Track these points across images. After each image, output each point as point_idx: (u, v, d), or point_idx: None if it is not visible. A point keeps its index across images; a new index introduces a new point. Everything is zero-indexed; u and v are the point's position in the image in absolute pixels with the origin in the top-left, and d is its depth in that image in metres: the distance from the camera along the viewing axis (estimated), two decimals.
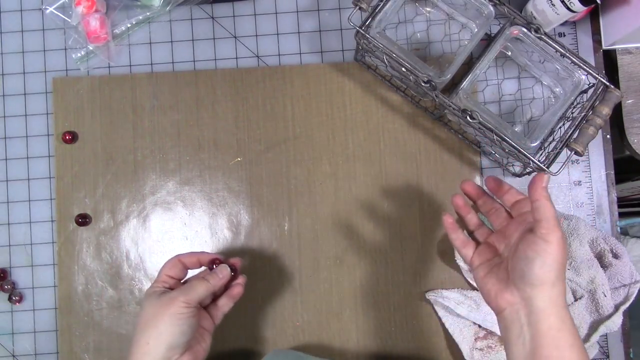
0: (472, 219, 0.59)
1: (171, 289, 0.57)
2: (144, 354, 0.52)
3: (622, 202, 1.05)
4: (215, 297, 0.61)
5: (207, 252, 0.61)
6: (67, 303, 0.68)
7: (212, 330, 0.59)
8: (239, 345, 0.68)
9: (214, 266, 0.59)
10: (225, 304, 0.60)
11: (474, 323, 0.66)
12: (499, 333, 0.64)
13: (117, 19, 0.70)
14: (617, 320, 0.63)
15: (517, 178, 0.69)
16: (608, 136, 0.70)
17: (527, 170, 0.65)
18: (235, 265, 0.60)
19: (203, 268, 0.60)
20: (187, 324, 0.53)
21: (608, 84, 0.59)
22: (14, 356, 0.69)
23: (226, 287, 0.60)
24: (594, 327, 0.63)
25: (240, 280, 0.60)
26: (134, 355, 0.53)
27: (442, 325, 0.67)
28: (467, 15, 0.69)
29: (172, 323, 0.53)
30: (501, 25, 0.63)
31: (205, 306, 0.60)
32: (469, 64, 0.63)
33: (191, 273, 0.60)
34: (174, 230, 0.69)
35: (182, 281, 0.59)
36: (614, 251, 0.64)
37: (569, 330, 0.47)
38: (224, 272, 0.58)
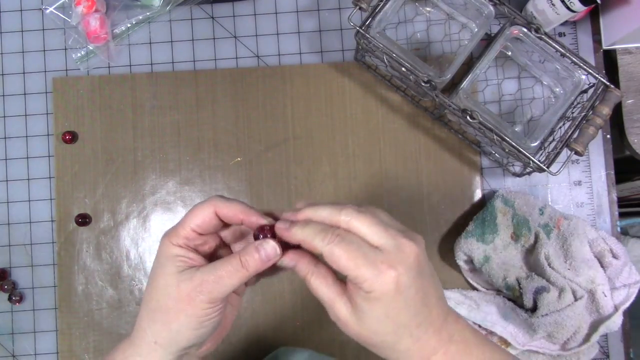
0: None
1: (196, 251, 0.42)
2: (151, 351, 0.41)
3: (622, 202, 1.05)
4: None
5: (256, 210, 0.42)
6: (67, 303, 0.68)
7: (243, 292, 0.47)
8: (239, 346, 0.68)
9: (261, 236, 0.41)
10: None
11: (474, 323, 0.66)
12: (499, 333, 0.64)
13: (117, 19, 0.70)
14: (617, 320, 0.63)
15: (517, 178, 0.69)
16: (608, 136, 0.70)
17: (527, 170, 0.65)
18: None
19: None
20: (211, 326, 0.41)
21: (608, 83, 0.59)
22: (14, 356, 0.69)
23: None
24: (594, 327, 0.63)
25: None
26: (138, 347, 0.42)
27: None
28: (467, 15, 0.69)
29: (189, 326, 0.40)
30: (501, 25, 0.63)
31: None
32: (469, 64, 0.63)
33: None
34: None
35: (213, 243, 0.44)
36: (614, 251, 0.64)
37: None
38: (269, 252, 0.41)
